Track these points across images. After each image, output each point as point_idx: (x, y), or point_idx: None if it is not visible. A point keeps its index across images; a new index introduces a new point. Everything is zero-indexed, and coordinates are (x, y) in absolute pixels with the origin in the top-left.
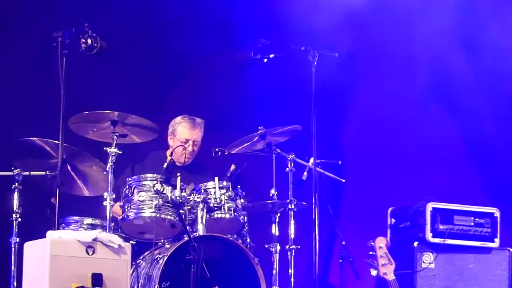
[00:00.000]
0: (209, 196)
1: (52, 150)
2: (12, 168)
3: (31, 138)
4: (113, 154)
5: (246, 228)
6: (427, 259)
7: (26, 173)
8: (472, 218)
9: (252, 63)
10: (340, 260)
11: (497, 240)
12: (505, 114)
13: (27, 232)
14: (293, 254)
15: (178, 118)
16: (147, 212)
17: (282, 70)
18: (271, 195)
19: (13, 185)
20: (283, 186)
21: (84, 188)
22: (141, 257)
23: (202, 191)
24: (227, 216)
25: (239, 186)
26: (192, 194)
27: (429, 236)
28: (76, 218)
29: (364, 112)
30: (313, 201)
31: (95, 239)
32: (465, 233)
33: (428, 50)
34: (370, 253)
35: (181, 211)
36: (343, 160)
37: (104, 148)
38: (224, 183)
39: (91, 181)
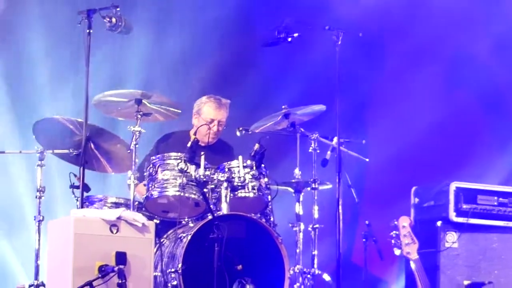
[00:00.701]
0: (233, 175)
1: (75, 128)
2: (36, 146)
3: (55, 117)
4: (137, 132)
5: (270, 207)
6: (451, 238)
7: (50, 151)
8: (495, 197)
9: (276, 42)
10: (364, 240)
11: None
12: None
13: (50, 210)
14: (316, 233)
15: (204, 98)
16: (171, 191)
17: (306, 49)
18: (295, 174)
19: (37, 163)
20: (307, 165)
21: (108, 166)
22: (165, 236)
23: (226, 170)
24: (251, 195)
25: (263, 165)
26: (216, 173)
27: (452, 215)
28: (100, 196)
29: (388, 92)
30: (337, 180)
31: (119, 218)
32: (488, 212)
33: (454, 30)
34: (394, 232)
35: (205, 190)
36: (367, 139)
37: (128, 126)
38: (248, 162)
39: (115, 159)
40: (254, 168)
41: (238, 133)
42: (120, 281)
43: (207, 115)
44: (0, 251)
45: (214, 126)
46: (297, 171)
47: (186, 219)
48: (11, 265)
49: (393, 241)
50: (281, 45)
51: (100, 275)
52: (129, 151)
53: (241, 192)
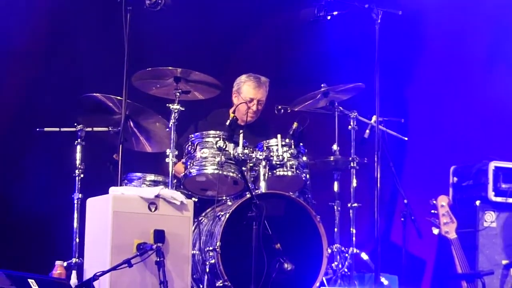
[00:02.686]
0: (271, 154)
1: (115, 106)
2: (75, 124)
3: (95, 94)
4: (175, 110)
5: (308, 185)
6: (489, 218)
7: (89, 129)
8: None
9: (315, 20)
10: (402, 219)
11: None
12: None
13: (89, 188)
14: (354, 212)
15: (243, 77)
16: (210, 169)
17: (345, 27)
18: (333, 153)
19: (76, 141)
20: (345, 144)
21: (147, 145)
22: (203, 214)
23: (265, 148)
24: (289, 173)
25: (301, 144)
26: (254, 151)
27: (491, 195)
28: (138, 174)
29: (427, 70)
30: (376, 159)
31: (157, 196)
32: None
33: (494, 6)
34: (432, 211)
35: (243, 168)
36: (406, 118)
37: (167, 104)
38: (287, 140)
39: (154, 137)
40: (293, 146)
41: (276, 111)
42: (158, 259)
43: (247, 94)
44: (39, 228)
45: (253, 105)
46: (335, 149)
47: (224, 197)
48: (50, 242)
49: (431, 220)
50: (320, 23)
51: (138, 253)
52: (167, 129)
53: (279, 171)
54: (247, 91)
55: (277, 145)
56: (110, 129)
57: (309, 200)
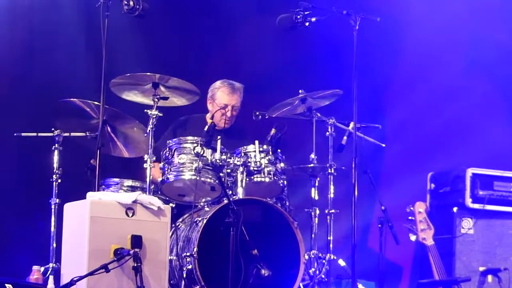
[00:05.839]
0: (249, 160)
1: (92, 111)
2: (53, 129)
3: (72, 99)
4: (154, 116)
5: (286, 191)
6: (466, 224)
7: (67, 134)
8: None
9: (294, 26)
10: (380, 225)
11: None
12: None
13: (67, 193)
14: (332, 218)
15: (218, 83)
16: (187, 175)
17: (324, 33)
18: (311, 159)
19: (53, 146)
20: (323, 150)
21: (124, 150)
22: (181, 220)
23: (242, 154)
24: (267, 179)
25: (279, 150)
26: (232, 157)
27: (468, 201)
28: (116, 179)
29: (405, 77)
30: (353, 165)
31: (135, 201)
32: (504, 199)
33: (471, 15)
34: (410, 218)
35: (221, 174)
36: (384, 125)
37: (145, 110)
38: (264, 146)
39: (131, 142)
40: (270, 153)
41: (254, 117)
42: (135, 265)
43: (221, 100)
44: (15, 233)
45: (228, 111)
46: (313, 156)
47: (202, 203)
48: (27, 247)
49: (409, 227)
50: (298, 29)
51: (115, 258)
52: (145, 135)
53: (257, 177)
54: (221, 97)
55: (254, 151)
56: (87, 134)
57: (286, 206)
